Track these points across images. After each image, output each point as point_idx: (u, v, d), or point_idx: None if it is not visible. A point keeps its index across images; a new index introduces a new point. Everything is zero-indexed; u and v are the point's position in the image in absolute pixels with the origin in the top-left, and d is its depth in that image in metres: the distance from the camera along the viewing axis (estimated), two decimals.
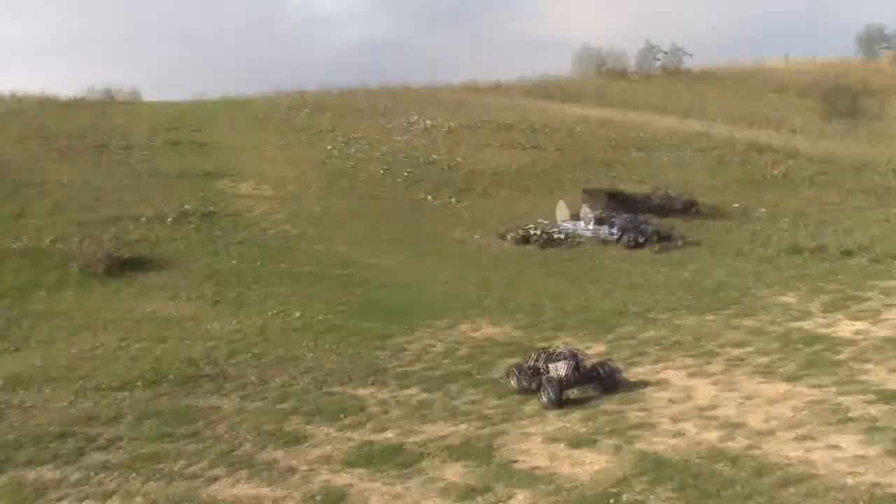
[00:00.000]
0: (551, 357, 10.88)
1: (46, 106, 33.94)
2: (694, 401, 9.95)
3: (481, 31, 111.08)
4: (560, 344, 12.17)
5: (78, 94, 36.19)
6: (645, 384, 10.78)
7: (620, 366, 11.19)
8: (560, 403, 10.19)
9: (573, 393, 10.52)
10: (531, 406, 10.34)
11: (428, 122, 31.69)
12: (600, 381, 10.62)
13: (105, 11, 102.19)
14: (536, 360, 10.95)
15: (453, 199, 23.67)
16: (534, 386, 10.58)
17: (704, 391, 10.29)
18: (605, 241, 20.05)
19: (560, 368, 10.54)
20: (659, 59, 57.78)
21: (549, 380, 10.43)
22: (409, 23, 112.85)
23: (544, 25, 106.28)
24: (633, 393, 10.47)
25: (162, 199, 22.93)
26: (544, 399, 10.29)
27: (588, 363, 10.91)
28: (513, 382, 10.92)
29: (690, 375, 11.00)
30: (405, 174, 25.59)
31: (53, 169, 25.06)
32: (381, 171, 25.99)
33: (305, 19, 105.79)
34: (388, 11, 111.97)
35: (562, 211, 21.39)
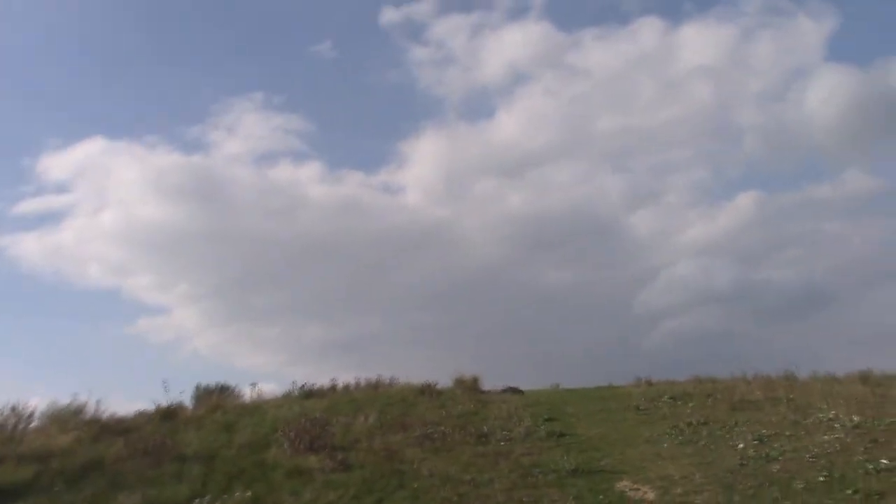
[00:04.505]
0: None
1: (419, 392, 33.85)
2: None
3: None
4: None
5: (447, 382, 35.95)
6: None
7: None
8: None
9: None
10: None
11: (855, 418, 25.66)
12: None
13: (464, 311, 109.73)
14: None
15: None
16: None
17: None
18: None
19: None
20: None
21: None
22: (721, 314, 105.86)
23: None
24: None
25: (557, 501, 19.61)
26: None
27: None
28: None
29: None
30: (856, 486, 19.72)
31: (436, 460, 23.36)
32: (821, 479, 20.40)
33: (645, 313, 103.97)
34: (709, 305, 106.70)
35: None
